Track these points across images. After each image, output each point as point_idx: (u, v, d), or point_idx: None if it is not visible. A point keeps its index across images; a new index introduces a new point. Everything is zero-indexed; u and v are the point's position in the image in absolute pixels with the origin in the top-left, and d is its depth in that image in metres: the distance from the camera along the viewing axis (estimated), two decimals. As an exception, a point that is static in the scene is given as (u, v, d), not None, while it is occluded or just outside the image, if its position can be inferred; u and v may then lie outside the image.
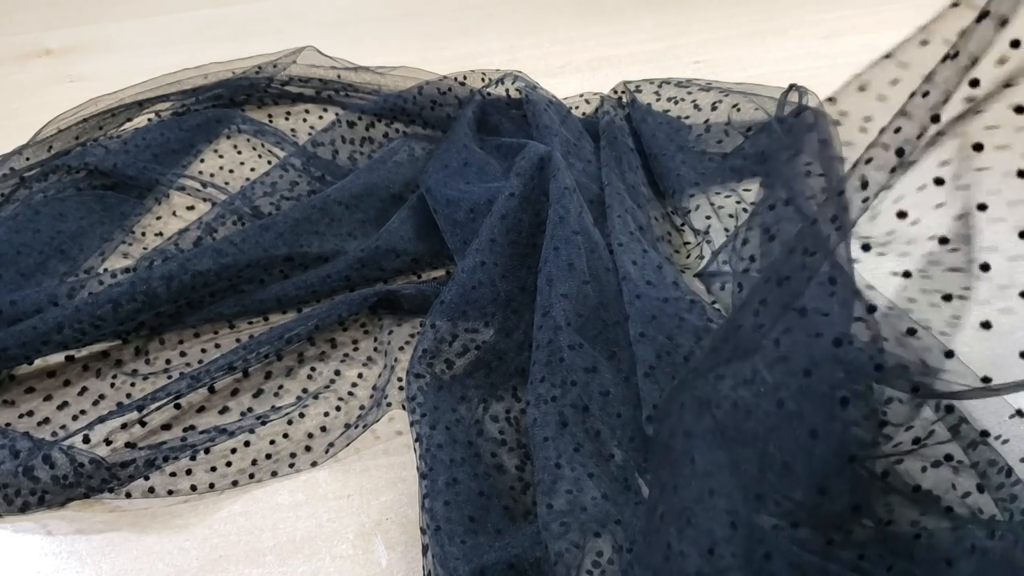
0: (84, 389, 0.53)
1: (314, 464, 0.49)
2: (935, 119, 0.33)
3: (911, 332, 0.35)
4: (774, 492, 0.34)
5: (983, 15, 0.32)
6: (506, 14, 0.86)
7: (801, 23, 0.81)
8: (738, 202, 0.61)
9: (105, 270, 0.59)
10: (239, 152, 0.67)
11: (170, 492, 0.48)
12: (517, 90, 0.69)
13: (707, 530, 0.36)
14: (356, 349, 0.55)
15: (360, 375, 0.54)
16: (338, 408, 0.52)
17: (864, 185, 0.35)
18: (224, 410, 0.52)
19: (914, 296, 0.35)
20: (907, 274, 0.35)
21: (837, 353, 0.34)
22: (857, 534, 0.35)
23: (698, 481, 0.37)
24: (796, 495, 0.34)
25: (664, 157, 0.64)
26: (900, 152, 0.34)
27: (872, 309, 0.34)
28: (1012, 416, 0.37)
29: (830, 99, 0.39)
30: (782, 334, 0.35)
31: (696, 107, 0.68)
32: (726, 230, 0.58)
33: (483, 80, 0.69)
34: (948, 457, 0.37)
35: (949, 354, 0.34)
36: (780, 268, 0.38)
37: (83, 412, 0.52)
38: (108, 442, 0.48)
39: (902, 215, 0.36)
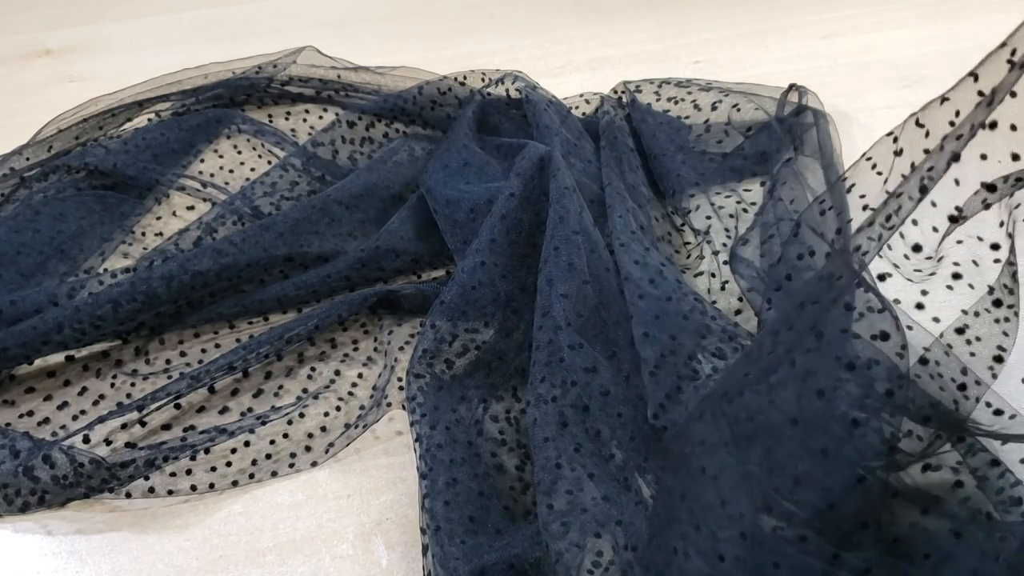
0: (84, 389, 0.53)
1: (314, 464, 0.49)
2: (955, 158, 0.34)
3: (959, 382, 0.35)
4: (783, 501, 0.35)
5: None
6: (506, 14, 0.86)
7: (801, 23, 0.81)
8: (738, 202, 0.61)
9: (105, 270, 0.59)
10: (239, 152, 0.67)
11: (170, 492, 0.48)
12: (517, 90, 0.69)
13: (715, 538, 0.36)
14: (356, 349, 0.55)
15: (360, 375, 0.54)
16: (338, 408, 0.52)
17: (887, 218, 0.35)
18: (224, 410, 0.52)
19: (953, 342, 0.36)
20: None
21: (850, 376, 0.34)
22: (859, 537, 0.35)
23: (709, 490, 0.37)
24: (804, 507, 0.34)
25: (664, 157, 0.64)
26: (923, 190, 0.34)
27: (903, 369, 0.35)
28: (1012, 417, 0.37)
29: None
30: (801, 355, 0.36)
31: (696, 107, 0.68)
32: (726, 230, 0.58)
33: (483, 80, 0.69)
34: (951, 464, 0.37)
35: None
36: (807, 292, 0.39)
37: (83, 412, 0.52)
38: (108, 442, 0.48)
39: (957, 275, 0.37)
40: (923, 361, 0.36)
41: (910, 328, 0.35)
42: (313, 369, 0.54)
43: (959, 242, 0.39)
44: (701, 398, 0.44)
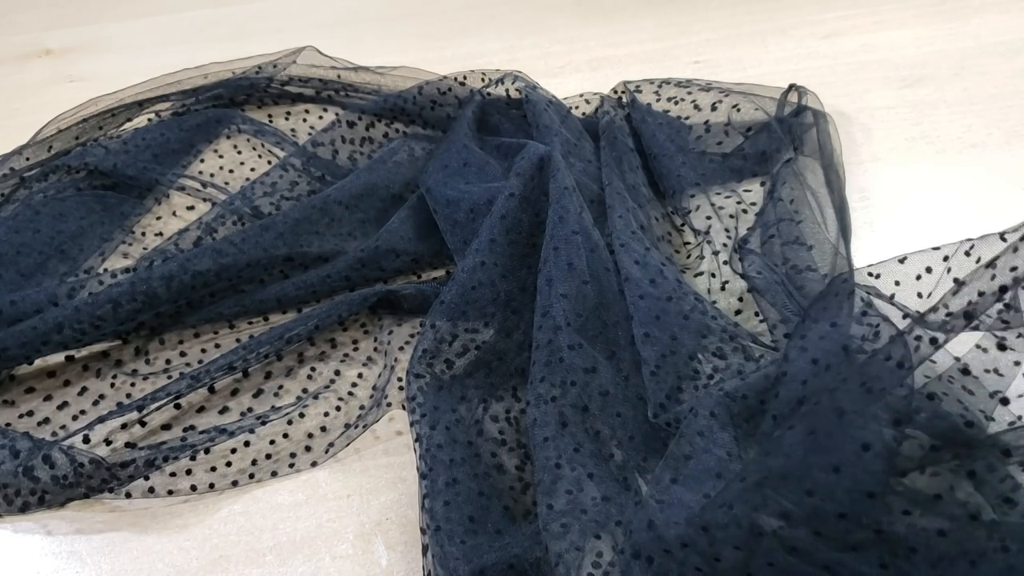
0: (84, 389, 0.53)
1: (314, 464, 0.49)
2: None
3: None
4: (788, 503, 0.35)
5: None
6: (506, 14, 0.86)
7: (801, 23, 0.81)
8: (738, 202, 0.61)
9: (105, 270, 0.59)
10: (239, 152, 0.67)
11: (170, 492, 0.48)
12: (517, 90, 0.69)
13: (714, 539, 0.36)
14: (356, 349, 0.55)
15: (360, 375, 0.54)
16: (338, 408, 0.52)
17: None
18: (224, 410, 0.52)
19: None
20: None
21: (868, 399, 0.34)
22: (855, 535, 0.35)
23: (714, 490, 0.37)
24: (811, 516, 0.34)
25: (664, 158, 0.64)
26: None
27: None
28: (1012, 423, 0.37)
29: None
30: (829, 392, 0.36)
31: (696, 107, 0.68)
32: (726, 230, 0.58)
33: (483, 80, 0.69)
34: (951, 467, 0.37)
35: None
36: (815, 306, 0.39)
37: (83, 412, 0.52)
38: (108, 442, 0.48)
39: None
40: (962, 372, 0.36)
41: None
42: (313, 369, 0.54)
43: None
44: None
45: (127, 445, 0.49)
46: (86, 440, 0.48)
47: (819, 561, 0.35)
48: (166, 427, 0.50)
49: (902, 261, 0.42)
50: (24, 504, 0.47)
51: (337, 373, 0.54)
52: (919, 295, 0.42)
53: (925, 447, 0.36)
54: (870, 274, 0.43)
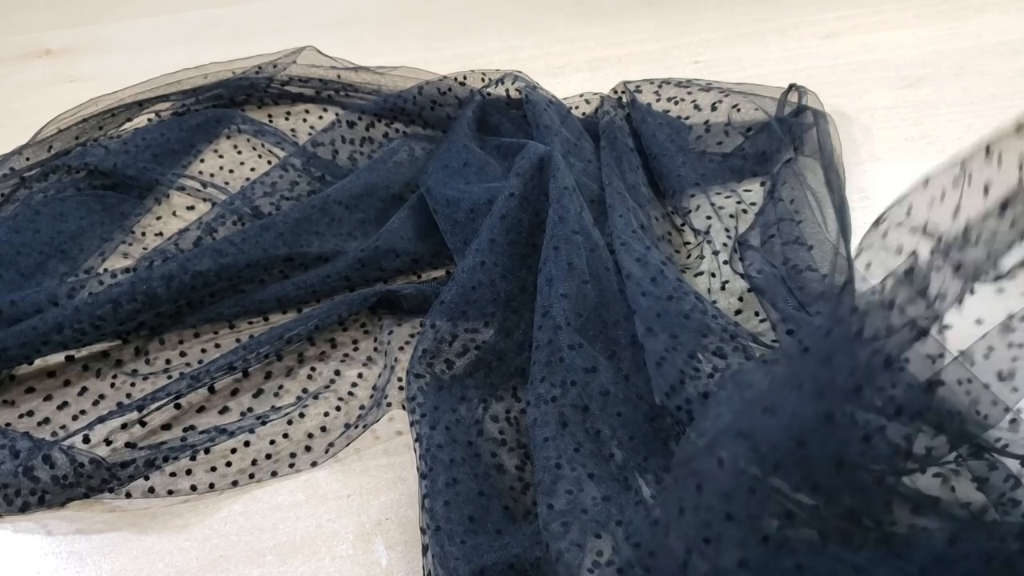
0: (84, 389, 0.53)
1: (314, 464, 0.49)
2: None
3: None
4: (791, 505, 0.35)
5: None
6: (506, 14, 0.86)
7: (801, 23, 0.81)
8: (738, 202, 0.61)
9: (105, 270, 0.59)
10: (239, 152, 0.67)
11: (170, 492, 0.48)
12: (517, 90, 0.69)
13: (720, 537, 0.36)
14: (356, 349, 0.55)
15: (360, 375, 0.54)
16: (338, 408, 0.52)
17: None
18: (224, 410, 0.52)
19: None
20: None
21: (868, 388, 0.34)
22: (857, 537, 0.35)
23: (716, 491, 0.37)
24: (812, 512, 0.34)
25: (664, 157, 0.64)
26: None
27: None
28: (1012, 421, 0.37)
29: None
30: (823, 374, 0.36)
31: (696, 107, 0.68)
32: (726, 230, 0.58)
33: (483, 80, 0.69)
34: (951, 466, 0.37)
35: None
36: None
37: (83, 412, 0.52)
38: (108, 442, 0.48)
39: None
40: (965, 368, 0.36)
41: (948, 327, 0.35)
42: (313, 369, 0.54)
43: None
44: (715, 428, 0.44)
45: (127, 445, 0.49)
46: (86, 440, 0.48)
47: (820, 562, 0.35)
48: (166, 427, 0.50)
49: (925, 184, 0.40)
50: (24, 504, 0.47)
51: (337, 373, 0.54)
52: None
53: (927, 445, 0.36)
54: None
